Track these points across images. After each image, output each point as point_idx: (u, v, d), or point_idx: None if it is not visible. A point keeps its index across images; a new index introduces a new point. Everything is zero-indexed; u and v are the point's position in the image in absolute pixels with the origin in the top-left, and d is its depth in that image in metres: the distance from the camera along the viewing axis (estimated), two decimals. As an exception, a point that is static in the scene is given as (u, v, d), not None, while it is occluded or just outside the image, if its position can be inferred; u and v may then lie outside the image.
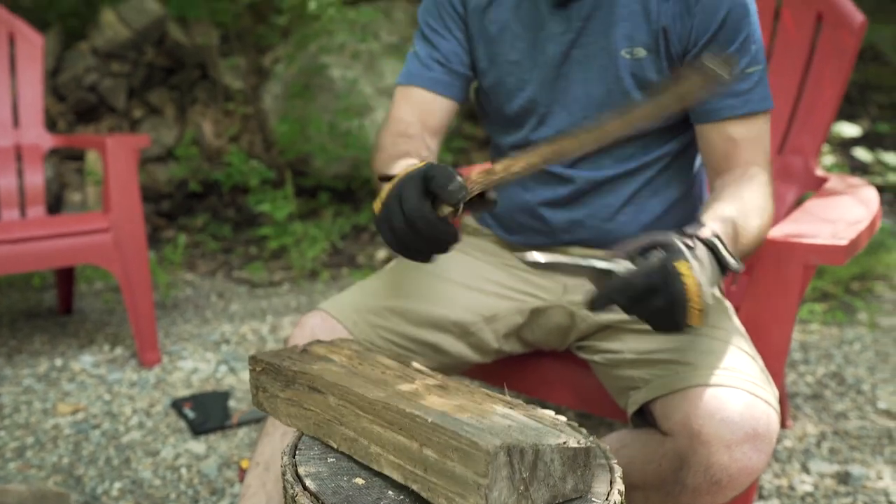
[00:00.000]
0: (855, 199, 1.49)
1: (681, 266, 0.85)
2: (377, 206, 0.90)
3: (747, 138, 1.18)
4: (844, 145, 4.07)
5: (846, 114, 4.22)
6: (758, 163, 1.17)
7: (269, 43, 4.07)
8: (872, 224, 1.37)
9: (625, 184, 1.24)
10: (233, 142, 3.78)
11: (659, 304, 0.85)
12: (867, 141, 4.08)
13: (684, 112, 1.22)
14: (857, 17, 1.68)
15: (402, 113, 1.27)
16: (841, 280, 2.88)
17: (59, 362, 2.31)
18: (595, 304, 0.88)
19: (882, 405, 2.06)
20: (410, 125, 1.26)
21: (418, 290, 1.25)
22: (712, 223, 0.99)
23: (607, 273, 0.89)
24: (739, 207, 1.07)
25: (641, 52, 1.17)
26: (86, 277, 2.99)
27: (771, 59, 1.76)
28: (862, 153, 3.96)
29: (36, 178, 2.47)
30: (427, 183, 0.87)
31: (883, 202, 3.73)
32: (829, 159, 3.92)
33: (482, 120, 1.38)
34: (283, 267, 3.15)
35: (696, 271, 0.86)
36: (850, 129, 4.09)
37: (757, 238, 1.10)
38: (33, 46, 2.53)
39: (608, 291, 0.87)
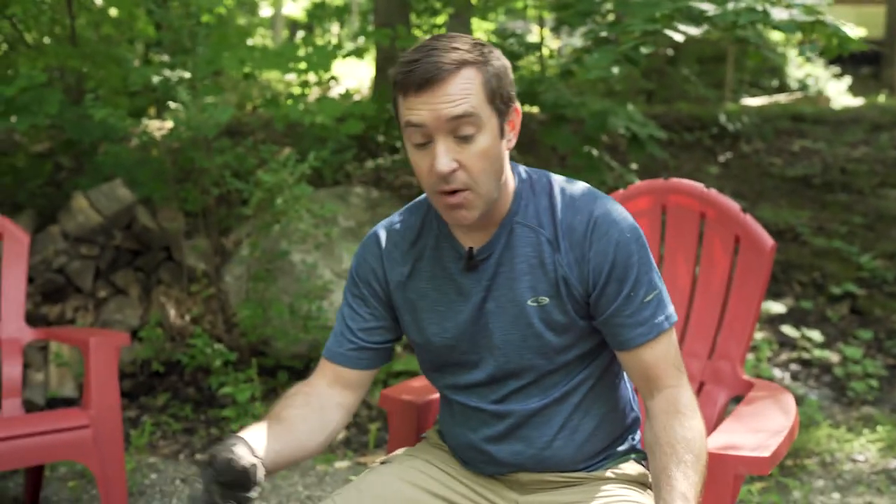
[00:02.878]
0: (777, 408, 1.69)
1: None
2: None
3: (661, 358, 1.37)
4: (772, 321, 4.36)
5: (772, 292, 4.55)
6: (675, 383, 1.36)
7: (231, 225, 4.29)
8: (791, 433, 1.57)
9: (555, 412, 1.40)
10: (195, 322, 3.91)
11: None
12: (792, 317, 4.38)
13: (600, 339, 1.41)
14: (768, 241, 1.94)
15: (315, 379, 1.48)
16: (775, 458, 3.06)
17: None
18: None
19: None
20: (314, 388, 1.46)
21: (396, 500, 1.40)
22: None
23: None
24: (686, 469, 1.27)
25: (545, 300, 1.37)
26: (50, 463, 3.03)
27: (699, 276, 2.00)
28: (789, 329, 4.25)
29: (14, 372, 2.56)
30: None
31: (810, 376, 3.99)
32: (759, 335, 4.19)
33: (419, 363, 1.53)
34: (245, 449, 3.23)
35: None
36: (776, 307, 4.41)
37: (704, 472, 1.30)
38: (20, 245, 2.68)
39: None
